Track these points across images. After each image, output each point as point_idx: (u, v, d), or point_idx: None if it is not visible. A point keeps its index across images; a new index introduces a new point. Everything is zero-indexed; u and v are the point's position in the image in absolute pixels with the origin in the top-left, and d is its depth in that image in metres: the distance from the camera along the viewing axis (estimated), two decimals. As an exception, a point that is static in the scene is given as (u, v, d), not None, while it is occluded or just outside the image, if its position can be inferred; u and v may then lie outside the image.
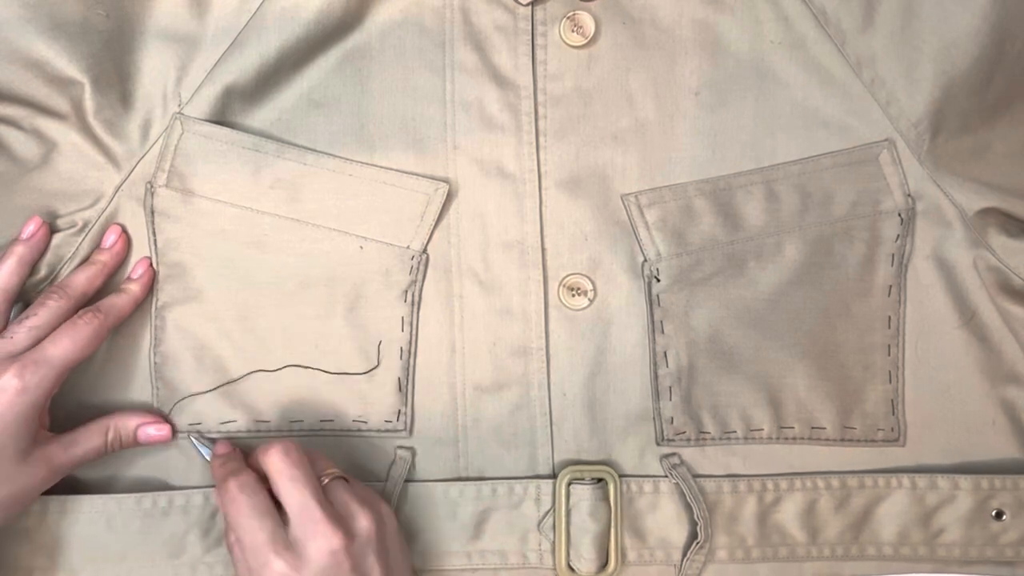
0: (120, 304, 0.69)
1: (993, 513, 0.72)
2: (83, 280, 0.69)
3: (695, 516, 0.71)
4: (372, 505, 0.64)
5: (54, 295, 0.67)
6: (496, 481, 0.71)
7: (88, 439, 0.68)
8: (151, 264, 0.71)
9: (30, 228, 0.68)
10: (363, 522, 0.63)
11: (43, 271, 0.69)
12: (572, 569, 0.71)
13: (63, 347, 0.66)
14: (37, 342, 0.66)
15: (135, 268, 0.71)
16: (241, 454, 0.68)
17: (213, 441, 0.70)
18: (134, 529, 0.69)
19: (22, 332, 0.66)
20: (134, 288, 0.70)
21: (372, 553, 0.62)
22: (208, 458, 0.69)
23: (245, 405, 0.71)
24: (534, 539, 0.72)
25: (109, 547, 0.69)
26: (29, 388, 0.64)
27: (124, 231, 0.70)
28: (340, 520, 0.62)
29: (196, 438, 0.71)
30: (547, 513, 0.71)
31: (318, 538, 0.61)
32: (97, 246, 0.70)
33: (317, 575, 0.60)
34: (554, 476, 0.72)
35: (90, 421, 0.69)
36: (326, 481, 0.64)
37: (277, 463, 0.63)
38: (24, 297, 0.70)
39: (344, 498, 0.63)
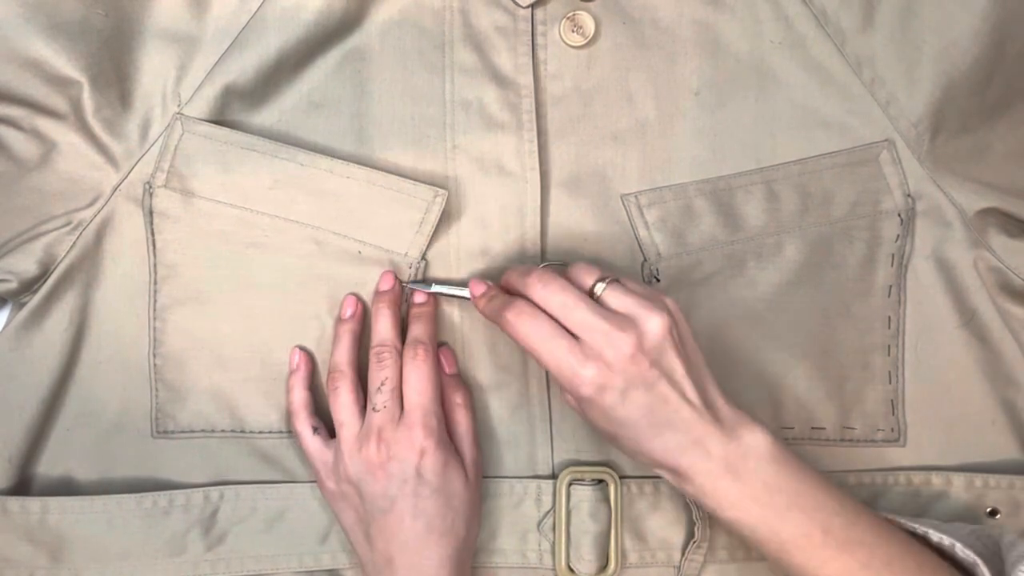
0: (425, 330, 0.69)
1: (987, 511, 0.72)
2: (386, 325, 0.69)
3: (693, 516, 0.70)
4: (654, 301, 0.63)
5: (384, 353, 0.68)
6: (496, 480, 0.71)
7: None
8: (430, 295, 0.71)
9: (349, 310, 0.70)
10: (652, 320, 0.61)
11: (36, 270, 0.69)
12: (572, 570, 0.71)
13: (427, 391, 0.67)
14: (401, 397, 0.67)
15: (416, 294, 0.71)
16: (497, 287, 0.68)
17: (427, 283, 0.70)
18: (135, 528, 0.69)
19: (386, 397, 0.67)
20: (425, 309, 0.70)
21: (669, 348, 0.62)
22: (459, 295, 0.69)
23: (245, 405, 0.71)
24: (534, 539, 0.71)
25: (111, 546, 0.69)
26: (440, 439, 0.66)
27: (359, 300, 0.71)
28: (627, 323, 0.61)
29: (414, 284, 0.70)
30: (547, 513, 0.71)
31: (610, 347, 0.60)
32: (92, 245, 0.70)
33: (625, 379, 0.61)
34: (554, 476, 0.72)
35: None
36: (601, 289, 0.63)
37: (540, 291, 0.63)
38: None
39: (625, 301, 0.62)
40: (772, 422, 0.72)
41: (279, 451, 0.72)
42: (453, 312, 0.72)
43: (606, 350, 0.60)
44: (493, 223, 0.71)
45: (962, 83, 0.69)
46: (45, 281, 0.70)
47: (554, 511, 0.71)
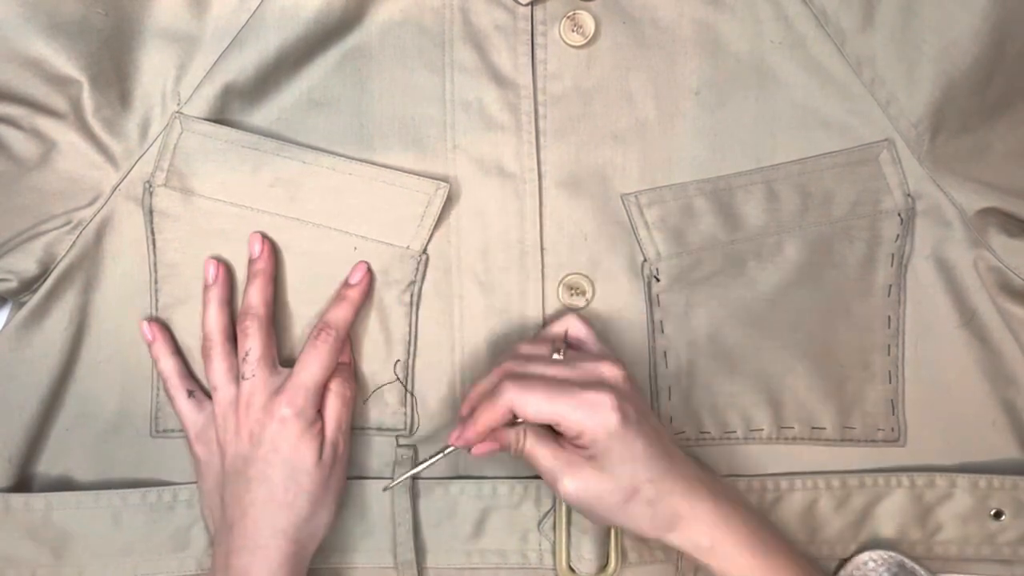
0: (343, 315, 0.69)
1: (992, 512, 0.72)
2: (258, 297, 0.69)
3: None
4: (606, 356, 0.66)
5: (248, 320, 0.68)
6: (497, 480, 0.71)
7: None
8: (368, 269, 0.70)
9: (211, 272, 0.70)
10: (608, 371, 0.64)
11: (36, 270, 0.69)
12: (572, 569, 0.71)
13: (313, 371, 0.67)
14: (271, 367, 0.68)
15: (353, 272, 0.70)
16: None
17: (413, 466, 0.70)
18: (139, 523, 0.70)
19: (252, 367, 0.67)
20: (353, 295, 0.70)
21: (634, 392, 0.64)
22: (447, 452, 0.67)
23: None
24: (534, 539, 0.72)
25: (115, 542, 0.69)
26: (303, 413, 0.66)
27: (264, 238, 0.70)
28: (597, 385, 0.62)
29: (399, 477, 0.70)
30: (547, 513, 0.71)
31: (607, 371, 0.63)
32: (92, 245, 0.70)
33: (629, 399, 0.63)
34: (554, 476, 0.72)
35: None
36: (556, 358, 0.65)
37: (519, 400, 0.62)
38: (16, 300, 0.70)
39: (582, 366, 0.64)
40: (772, 422, 0.72)
41: (279, 450, 0.72)
42: (453, 311, 0.72)
43: (605, 376, 0.63)
44: (493, 223, 0.71)
45: (962, 83, 0.69)
46: (45, 280, 0.70)
47: (554, 511, 0.71)
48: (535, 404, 0.61)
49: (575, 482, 0.62)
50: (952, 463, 0.73)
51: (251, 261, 0.70)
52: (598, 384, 0.62)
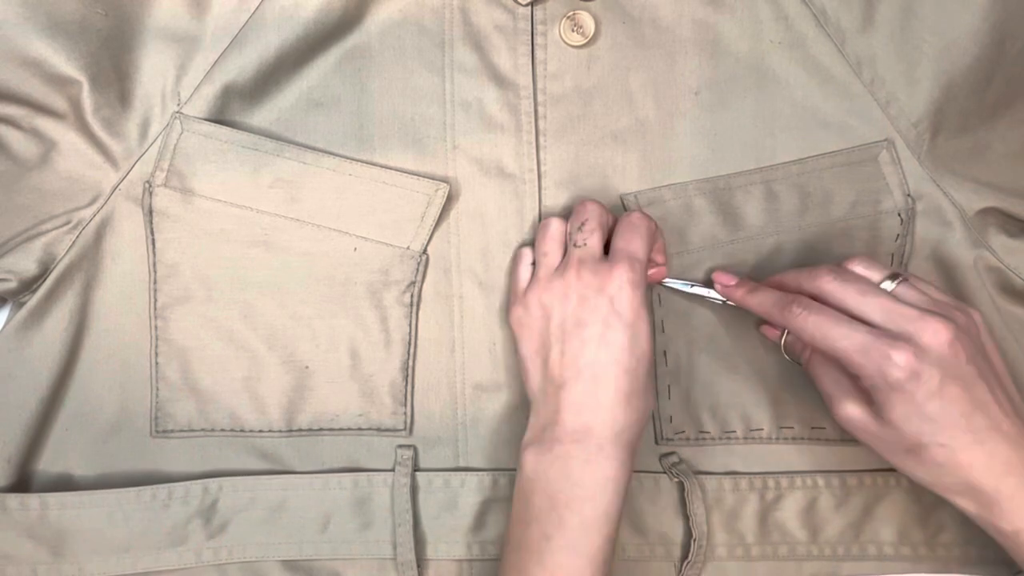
0: (643, 217, 0.67)
1: None
2: (598, 204, 0.68)
3: (687, 512, 0.71)
4: (956, 303, 0.62)
5: (586, 202, 0.67)
6: (497, 472, 0.72)
7: None
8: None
9: None
10: (963, 314, 0.60)
11: (35, 270, 0.69)
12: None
13: (639, 245, 0.65)
14: (604, 244, 0.66)
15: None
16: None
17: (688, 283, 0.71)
18: (136, 521, 0.70)
19: (586, 235, 0.65)
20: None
21: (987, 348, 0.60)
22: (708, 296, 0.70)
23: (245, 405, 0.71)
24: None
25: (112, 539, 0.70)
26: (639, 281, 0.64)
27: None
28: (936, 312, 0.59)
29: (672, 283, 0.71)
30: None
31: (926, 331, 0.58)
32: (91, 244, 0.70)
33: (941, 368, 0.57)
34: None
35: None
36: (891, 286, 0.62)
37: (832, 283, 0.61)
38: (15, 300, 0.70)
39: (922, 298, 0.61)
40: (772, 421, 0.72)
41: (278, 450, 0.72)
42: (453, 311, 0.72)
43: (921, 334, 0.58)
44: (493, 223, 0.72)
45: (962, 83, 0.69)
46: (44, 280, 0.70)
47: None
48: (811, 333, 0.60)
49: (851, 410, 0.61)
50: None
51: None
52: (901, 337, 0.58)
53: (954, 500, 0.61)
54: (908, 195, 0.72)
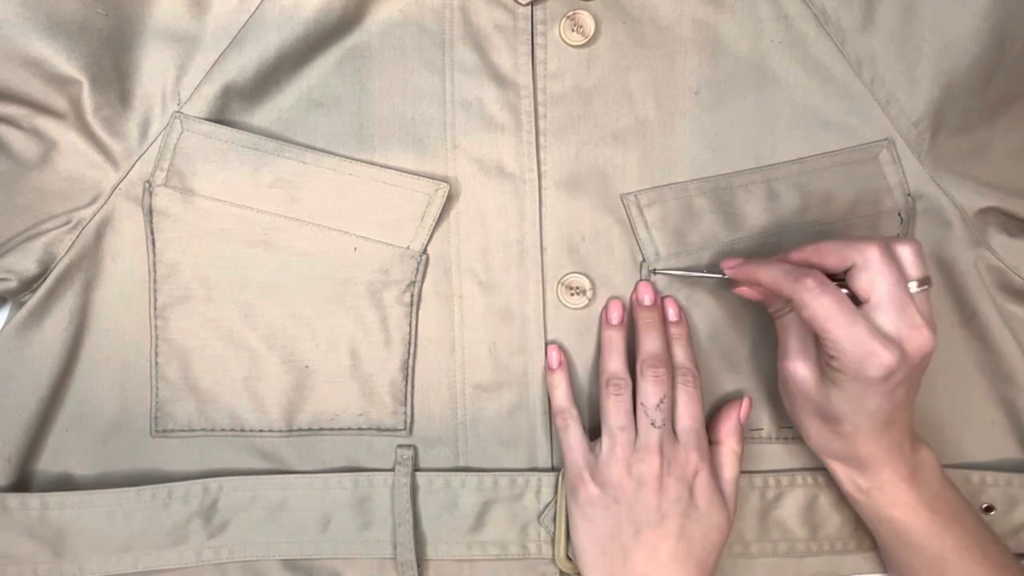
0: (690, 352, 0.70)
1: (983, 507, 0.73)
2: (660, 344, 0.69)
3: None
4: (932, 323, 0.62)
5: (661, 371, 0.68)
6: (498, 473, 0.72)
7: None
8: (677, 305, 0.72)
9: (615, 315, 0.71)
10: (917, 340, 0.61)
11: (35, 269, 0.69)
12: (570, 559, 0.71)
13: (697, 417, 0.68)
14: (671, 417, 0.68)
15: (669, 312, 0.71)
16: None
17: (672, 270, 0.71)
18: (136, 521, 0.70)
19: (665, 415, 0.67)
20: (683, 331, 0.71)
21: (921, 369, 0.63)
22: (706, 275, 0.70)
23: (245, 404, 0.71)
24: (534, 531, 0.72)
25: (112, 539, 0.70)
26: (712, 469, 0.68)
27: (623, 305, 0.72)
28: (932, 327, 0.61)
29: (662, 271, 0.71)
30: (547, 505, 0.71)
31: (915, 341, 0.61)
32: (91, 244, 0.70)
33: (907, 374, 0.61)
34: (554, 469, 0.72)
35: None
36: (915, 288, 0.62)
37: (809, 299, 0.61)
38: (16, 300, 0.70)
39: (929, 310, 0.62)
40: (771, 421, 0.73)
41: (279, 449, 0.72)
42: (453, 311, 0.72)
43: (910, 342, 0.60)
44: (493, 223, 0.71)
45: (962, 82, 0.69)
46: (44, 280, 0.70)
47: (554, 503, 0.71)
48: (814, 312, 0.60)
49: (800, 370, 0.65)
50: (950, 462, 0.73)
51: (645, 309, 0.71)
52: (893, 341, 0.60)
53: (828, 462, 0.68)
54: (908, 195, 0.72)
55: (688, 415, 0.67)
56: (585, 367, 0.72)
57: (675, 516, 0.65)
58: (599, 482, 0.67)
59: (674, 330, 0.71)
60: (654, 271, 0.71)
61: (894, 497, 0.66)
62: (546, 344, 0.72)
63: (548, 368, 0.71)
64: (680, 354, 0.70)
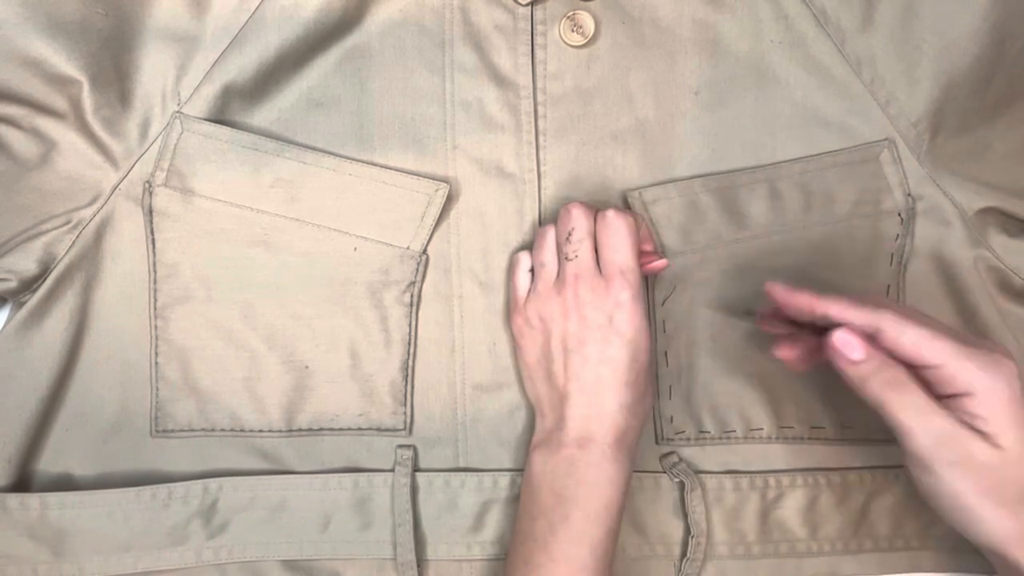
0: (621, 211, 0.67)
1: None
2: (581, 205, 0.68)
3: (685, 510, 0.71)
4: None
5: (571, 207, 0.67)
6: (497, 473, 0.72)
7: None
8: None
9: None
10: (1003, 352, 0.57)
11: (35, 269, 0.69)
12: (571, 564, 0.71)
13: (623, 249, 0.66)
14: (594, 252, 0.67)
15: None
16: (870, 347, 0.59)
17: None
18: (136, 521, 0.70)
19: (576, 247, 0.66)
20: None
21: None
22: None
23: (245, 404, 0.71)
24: None
25: (112, 539, 0.70)
26: (635, 295, 0.66)
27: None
28: (992, 346, 0.57)
29: None
30: None
31: (1001, 369, 0.54)
32: (91, 244, 0.70)
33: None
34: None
35: None
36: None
37: (896, 325, 0.56)
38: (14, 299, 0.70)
39: (972, 337, 0.58)
40: (772, 421, 0.72)
41: (278, 450, 0.72)
42: (453, 311, 0.72)
43: (993, 349, 0.56)
44: (493, 224, 0.72)
45: (962, 83, 0.69)
46: (44, 280, 0.70)
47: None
48: (915, 335, 0.55)
49: (944, 424, 0.55)
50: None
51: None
52: (993, 346, 0.56)
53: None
54: (908, 195, 0.72)
55: (608, 248, 0.66)
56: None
57: (595, 342, 0.65)
58: (523, 314, 0.68)
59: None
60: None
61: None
62: None
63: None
64: (609, 210, 0.67)
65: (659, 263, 0.70)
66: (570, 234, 0.67)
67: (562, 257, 0.67)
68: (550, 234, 0.68)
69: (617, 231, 0.66)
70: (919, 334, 0.56)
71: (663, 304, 0.72)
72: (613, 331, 0.65)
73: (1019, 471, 0.54)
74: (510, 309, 0.70)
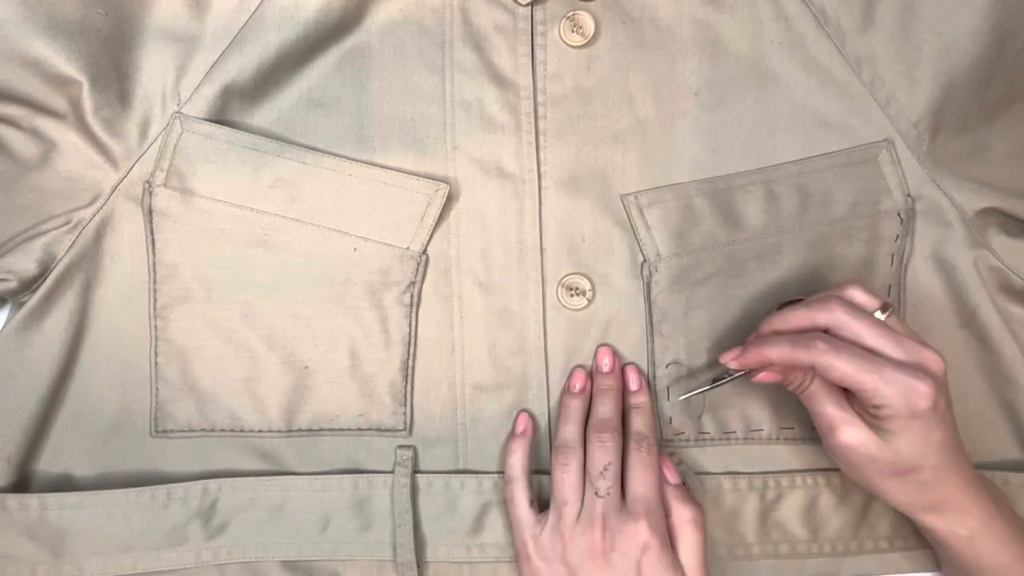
0: (651, 424, 0.70)
1: None
2: (611, 410, 0.69)
3: None
4: (928, 344, 0.63)
5: (608, 433, 0.68)
6: (497, 475, 0.71)
7: None
8: (639, 373, 0.72)
9: (578, 384, 0.72)
10: (932, 360, 0.62)
11: (35, 269, 0.69)
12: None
13: (651, 486, 0.66)
14: (621, 486, 0.66)
15: (630, 380, 0.72)
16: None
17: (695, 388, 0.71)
18: (135, 522, 0.70)
19: (609, 483, 0.66)
20: (643, 400, 0.71)
21: (947, 384, 0.63)
22: (730, 379, 0.68)
23: (245, 405, 0.71)
24: None
25: (112, 539, 0.70)
26: (665, 541, 0.65)
27: (587, 373, 0.72)
28: (916, 369, 0.61)
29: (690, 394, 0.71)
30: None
31: (931, 359, 0.61)
32: (91, 244, 0.70)
33: (944, 392, 0.62)
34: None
35: None
36: (883, 316, 0.63)
37: (844, 316, 0.62)
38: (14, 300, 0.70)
39: (908, 329, 0.63)
40: (772, 422, 0.72)
41: (278, 450, 0.72)
42: (453, 311, 0.72)
43: (928, 363, 0.61)
44: (493, 224, 0.72)
45: (962, 83, 0.69)
46: (44, 280, 0.70)
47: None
48: (842, 370, 0.60)
49: (855, 435, 0.63)
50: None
51: (602, 376, 0.71)
52: (918, 368, 0.60)
53: (920, 516, 0.65)
54: (908, 195, 0.72)
55: (640, 483, 0.66)
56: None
57: None
58: (543, 556, 0.66)
59: (634, 399, 0.71)
60: (679, 398, 0.72)
61: (999, 534, 0.64)
62: (546, 345, 0.72)
63: (513, 433, 0.71)
64: (637, 422, 0.69)
65: (674, 479, 0.69)
66: (606, 469, 0.66)
67: (589, 490, 0.66)
68: (574, 472, 0.67)
69: (649, 468, 0.66)
70: (844, 371, 0.60)
71: (659, 305, 0.72)
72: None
73: (901, 459, 0.62)
74: (518, 550, 0.68)
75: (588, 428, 0.69)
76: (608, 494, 0.65)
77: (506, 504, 0.69)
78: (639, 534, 0.64)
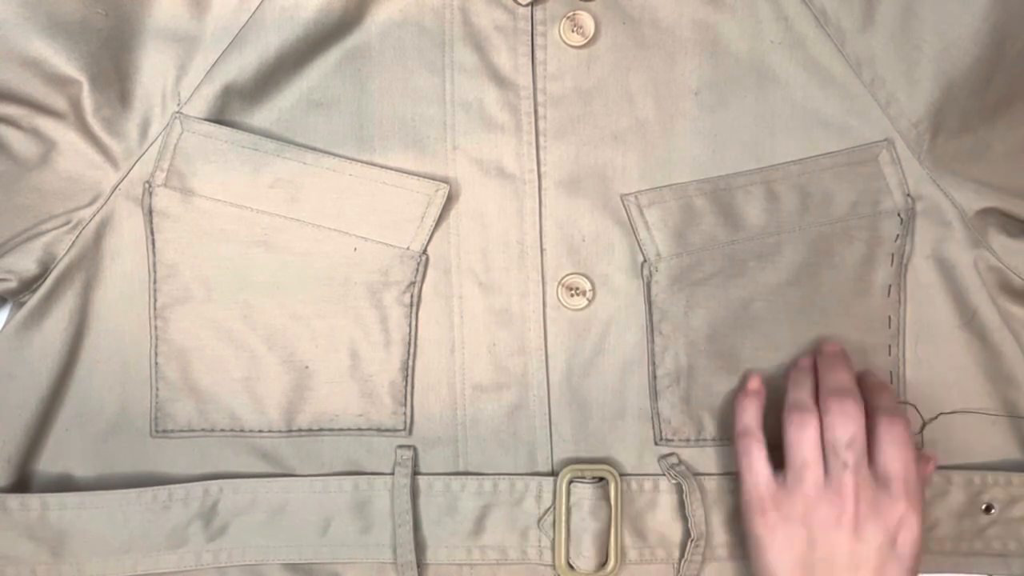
0: (894, 396, 0.69)
1: (983, 507, 0.73)
2: (848, 378, 0.68)
3: (686, 513, 0.71)
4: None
5: (848, 403, 0.65)
6: (497, 477, 0.71)
7: None
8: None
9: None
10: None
11: (35, 269, 0.69)
12: (571, 567, 0.71)
13: (908, 462, 0.64)
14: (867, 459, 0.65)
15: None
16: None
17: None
18: (136, 523, 0.70)
19: (858, 456, 0.64)
20: (879, 378, 0.71)
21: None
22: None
23: (245, 405, 0.71)
24: (534, 536, 0.72)
25: (112, 540, 0.70)
26: (920, 518, 0.64)
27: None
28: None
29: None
30: (547, 510, 0.71)
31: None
32: (91, 244, 0.70)
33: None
34: (554, 474, 0.72)
35: None
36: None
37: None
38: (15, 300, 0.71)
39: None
40: (771, 422, 0.72)
41: (278, 450, 0.72)
42: (453, 311, 0.72)
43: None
44: (493, 224, 0.71)
45: (962, 83, 0.69)
46: (44, 280, 0.70)
47: (554, 508, 0.71)
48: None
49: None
50: (952, 463, 0.73)
51: (828, 345, 0.71)
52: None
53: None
54: (908, 195, 0.72)
55: (894, 459, 0.64)
56: (581, 368, 0.72)
57: (873, 566, 0.62)
58: (784, 514, 0.65)
59: (871, 377, 0.70)
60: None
61: None
62: (546, 345, 0.72)
63: (744, 390, 0.70)
64: (884, 397, 0.67)
65: (931, 468, 0.69)
66: (852, 440, 0.64)
67: (834, 459, 0.64)
68: (812, 429, 0.65)
69: (898, 440, 0.64)
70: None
71: (659, 305, 0.72)
72: (894, 555, 0.63)
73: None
74: (750, 499, 0.67)
75: (824, 394, 0.66)
76: (858, 468, 0.63)
77: (738, 457, 0.68)
78: (896, 509, 0.63)
